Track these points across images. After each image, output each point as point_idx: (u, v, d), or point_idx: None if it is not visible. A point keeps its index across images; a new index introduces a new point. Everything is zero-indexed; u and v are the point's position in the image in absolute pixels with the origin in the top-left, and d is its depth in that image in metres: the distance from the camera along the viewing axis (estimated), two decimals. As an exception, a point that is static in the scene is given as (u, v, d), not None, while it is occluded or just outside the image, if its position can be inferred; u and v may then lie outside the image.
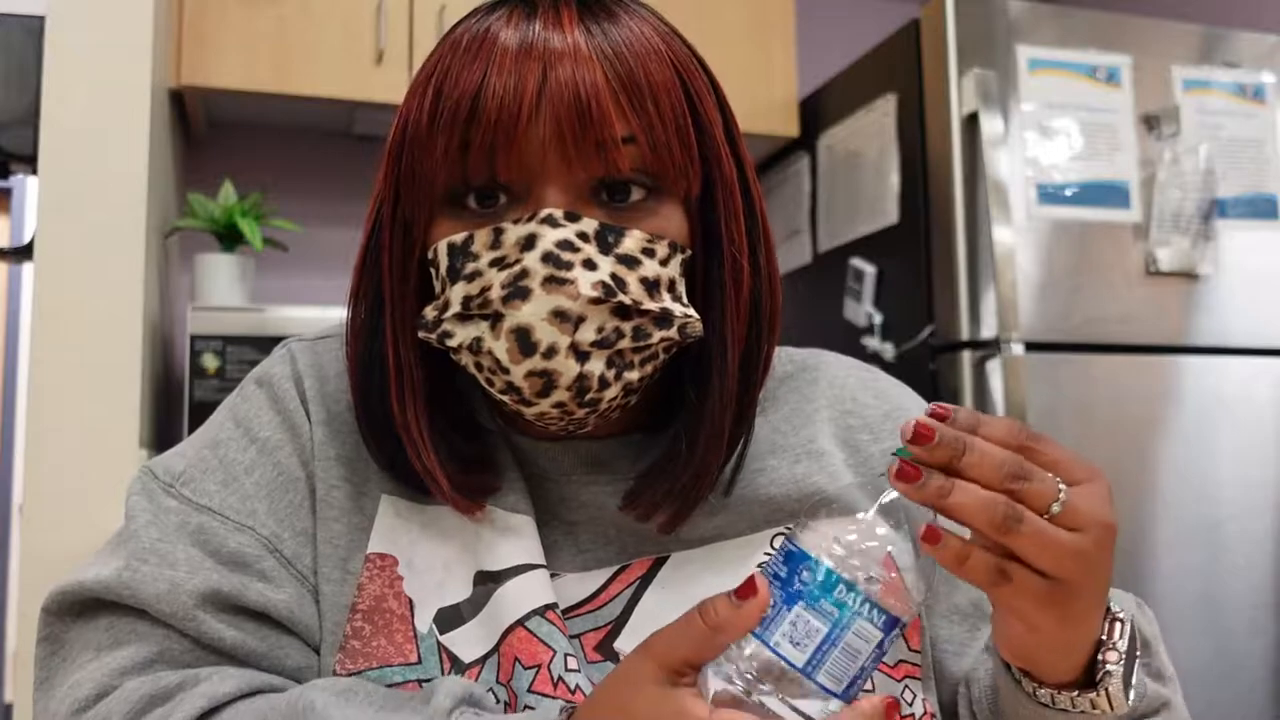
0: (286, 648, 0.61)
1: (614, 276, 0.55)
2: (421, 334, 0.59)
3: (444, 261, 0.57)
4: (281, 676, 0.60)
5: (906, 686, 0.63)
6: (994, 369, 1.79)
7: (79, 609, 0.61)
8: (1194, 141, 1.96)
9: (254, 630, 0.60)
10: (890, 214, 2.03)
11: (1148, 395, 1.89)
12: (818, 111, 2.33)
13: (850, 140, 2.18)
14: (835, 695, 0.48)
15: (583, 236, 0.55)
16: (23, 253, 1.61)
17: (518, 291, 0.54)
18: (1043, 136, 1.88)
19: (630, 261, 0.56)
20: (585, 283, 0.54)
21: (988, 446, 0.48)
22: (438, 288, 0.59)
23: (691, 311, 0.59)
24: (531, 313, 0.53)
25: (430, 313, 0.58)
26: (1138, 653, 0.55)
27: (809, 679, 0.48)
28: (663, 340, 0.57)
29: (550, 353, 0.54)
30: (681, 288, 0.59)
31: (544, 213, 0.55)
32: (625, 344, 0.56)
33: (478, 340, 0.56)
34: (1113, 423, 1.86)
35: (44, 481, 1.40)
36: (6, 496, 3.22)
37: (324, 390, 0.67)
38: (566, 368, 0.54)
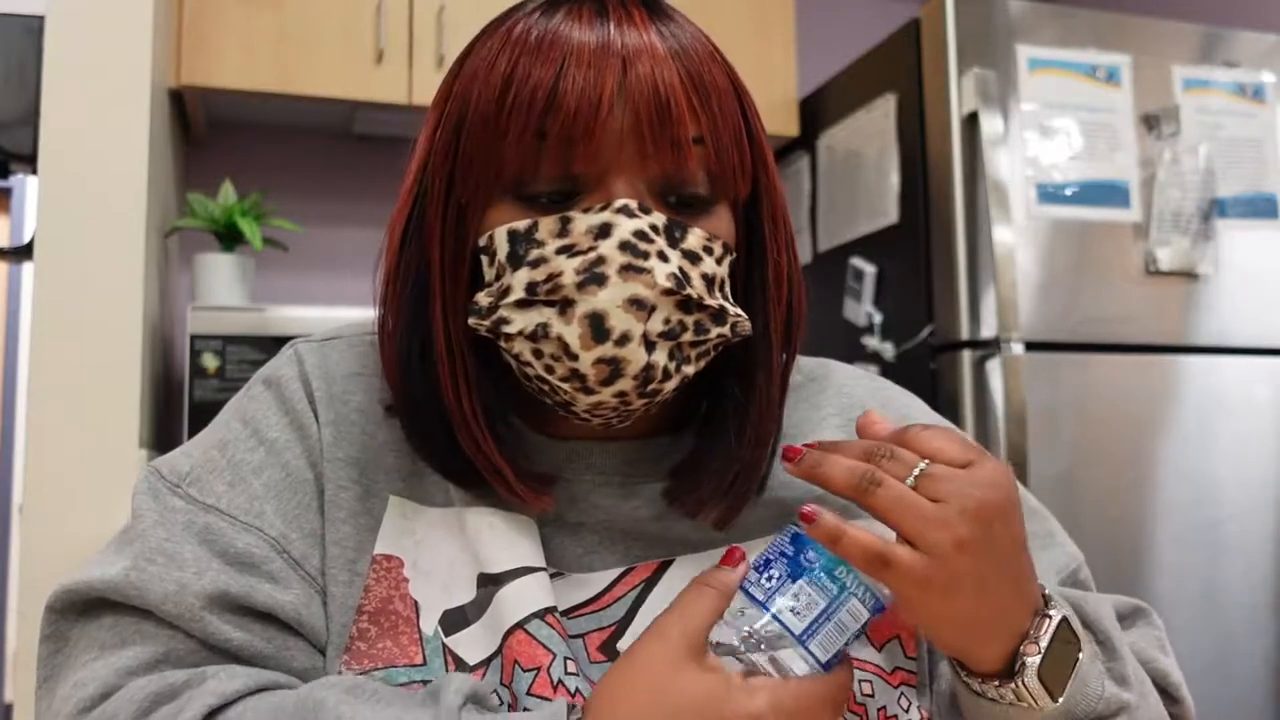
0: (293, 649, 0.60)
1: (681, 270, 0.56)
2: (472, 320, 0.58)
3: (503, 248, 0.57)
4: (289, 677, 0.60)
5: (902, 693, 0.63)
6: (994, 368, 1.79)
7: (83, 607, 0.60)
8: (1194, 141, 1.96)
9: (260, 631, 0.59)
10: (890, 214, 2.03)
11: (1148, 395, 1.89)
12: (818, 111, 2.33)
13: (850, 140, 2.18)
14: (820, 664, 0.54)
15: (654, 229, 0.56)
16: (23, 253, 1.61)
17: (594, 278, 0.54)
18: (1043, 136, 1.88)
19: (693, 257, 0.57)
20: (660, 273, 0.54)
21: (849, 442, 0.57)
22: (491, 274, 0.58)
23: (741, 311, 0.60)
24: (608, 299, 0.54)
25: (484, 299, 0.58)
26: (1079, 654, 0.56)
27: (802, 646, 0.53)
28: (718, 336, 0.58)
29: (623, 340, 0.54)
30: (728, 288, 0.61)
31: (619, 203, 0.56)
32: (687, 337, 0.57)
33: (544, 326, 0.55)
34: (1113, 422, 1.86)
35: (44, 481, 1.40)
36: (6, 496, 3.22)
37: (331, 391, 0.66)
38: (636, 356, 0.55)
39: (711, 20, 2.31)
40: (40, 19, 1.52)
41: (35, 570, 1.37)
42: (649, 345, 0.55)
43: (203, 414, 1.77)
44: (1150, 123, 1.94)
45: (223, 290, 1.92)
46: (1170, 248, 1.92)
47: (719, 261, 0.59)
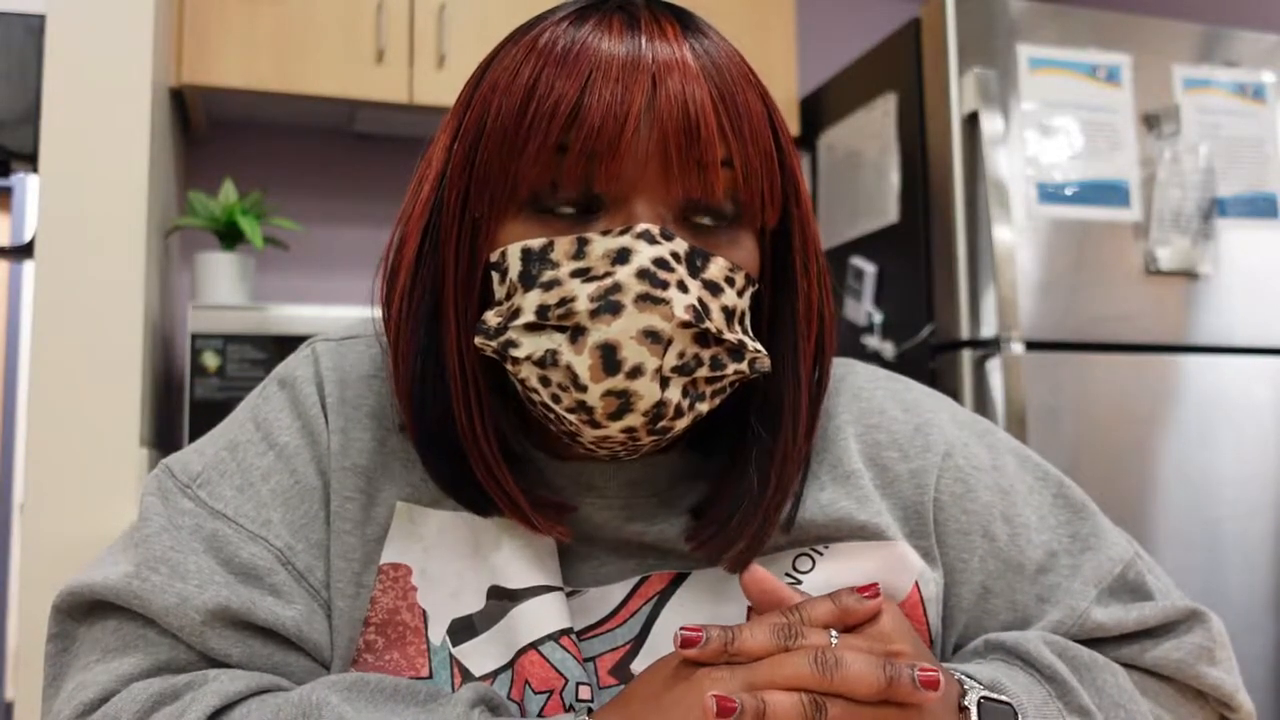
0: (293, 664, 0.60)
1: (701, 302, 0.53)
2: (479, 340, 0.55)
3: (515, 266, 0.54)
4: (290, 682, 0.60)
5: None
6: (994, 368, 1.79)
7: (88, 609, 0.60)
8: (1194, 141, 1.96)
9: (260, 647, 0.59)
10: (890, 213, 2.03)
11: (1148, 395, 1.89)
12: (818, 111, 2.33)
13: (850, 139, 2.18)
14: None
15: (675, 257, 0.53)
16: (23, 252, 1.61)
17: (608, 306, 0.51)
18: (1043, 136, 1.88)
19: (714, 288, 0.54)
20: (679, 305, 0.51)
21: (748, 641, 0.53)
22: (501, 293, 0.56)
23: (760, 346, 0.57)
24: (621, 329, 0.51)
25: (493, 319, 0.55)
26: (1017, 710, 0.55)
27: None
28: (735, 373, 0.55)
29: (635, 373, 0.51)
30: (748, 321, 0.58)
31: (640, 227, 0.52)
32: (702, 373, 0.54)
33: (552, 353, 0.52)
34: (1113, 422, 1.86)
35: (45, 480, 1.40)
36: (7, 495, 3.22)
37: (344, 395, 0.65)
38: (648, 391, 0.52)
39: (711, 20, 2.31)
40: (41, 18, 1.52)
41: (36, 569, 1.37)
42: (663, 381, 0.52)
43: (203, 412, 1.77)
44: (1150, 122, 1.94)
45: (223, 289, 1.92)
46: (1170, 247, 1.92)
47: (740, 293, 0.56)
